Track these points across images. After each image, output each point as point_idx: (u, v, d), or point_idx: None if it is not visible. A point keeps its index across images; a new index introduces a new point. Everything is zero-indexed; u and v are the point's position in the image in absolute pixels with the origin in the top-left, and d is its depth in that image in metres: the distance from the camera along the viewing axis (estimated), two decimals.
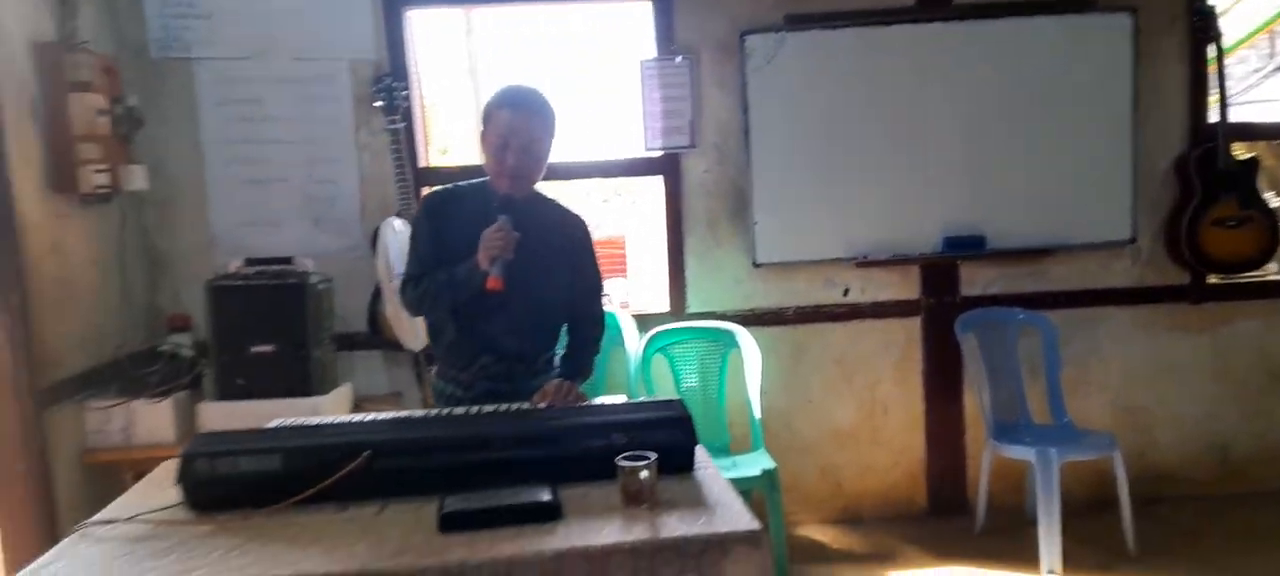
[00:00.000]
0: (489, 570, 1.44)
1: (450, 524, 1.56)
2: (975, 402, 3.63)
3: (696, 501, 1.64)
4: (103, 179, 2.80)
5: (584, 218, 2.35)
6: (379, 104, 3.29)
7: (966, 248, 3.59)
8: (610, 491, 1.67)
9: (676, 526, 1.52)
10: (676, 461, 1.76)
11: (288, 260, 3.07)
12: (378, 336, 3.37)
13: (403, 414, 2.19)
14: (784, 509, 3.25)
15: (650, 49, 3.53)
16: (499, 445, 1.75)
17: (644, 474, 1.60)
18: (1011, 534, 3.47)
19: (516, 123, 2.11)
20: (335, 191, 3.41)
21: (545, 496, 1.62)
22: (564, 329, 2.40)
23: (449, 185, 2.33)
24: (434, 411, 2.15)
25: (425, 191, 3.49)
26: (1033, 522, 3.23)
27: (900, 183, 3.56)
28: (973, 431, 3.76)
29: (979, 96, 3.54)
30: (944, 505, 3.79)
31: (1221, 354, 3.79)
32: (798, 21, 3.50)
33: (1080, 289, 3.72)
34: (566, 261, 2.28)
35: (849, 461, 3.77)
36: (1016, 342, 3.62)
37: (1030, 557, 3.19)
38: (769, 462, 3.21)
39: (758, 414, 3.45)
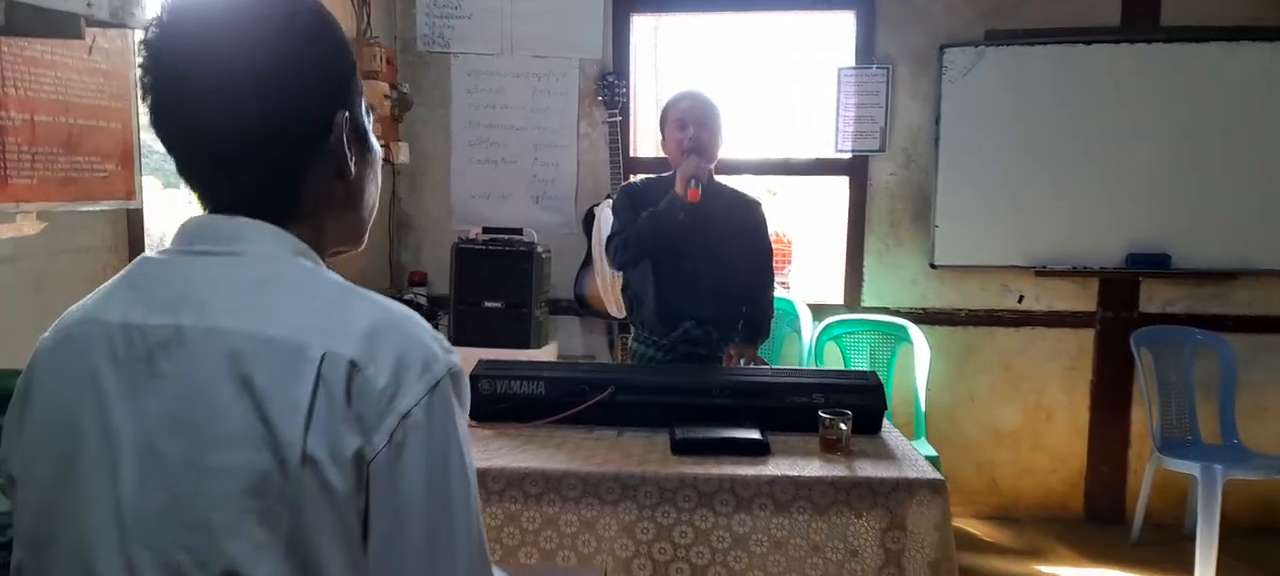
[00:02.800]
0: (715, 483, 1.82)
1: (681, 448, 1.95)
2: (1143, 419, 3.71)
3: (885, 454, 1.96)
4: (381, 153, 3.37)
5: (758, 199, 2.75)
6: (601, 98, 3.75)
7: (1150, 265, 3.66)
8: (809, 440, 2.02)
9: (869, 470, 1.85)
10: (867, 423, 2.08)
11: (518, 231, 3.55)
12: (582, 304, 3.83)
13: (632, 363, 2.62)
14: None
15: (848, 57, 3.79)
16: (718, 392, 2.13)
17: (842, 425, 1.93)
18: (1167, 548, 3.53)
19: (691, 106, 2.55)
20: (556, 173, 3.89)
21: (757, 435, 1.98)
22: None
23: (645, 176, 2.79)
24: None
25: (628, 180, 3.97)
26: (1190, 540, 3.27)
27: (1086, 197, 3.66)
28: (1137, 447, 3.83)
29: (1176, 117, 3.59)
30: (1101, 514, 3.88)
31: None
32: (998, 37, 3.65)
33: (1264, 314, 3.72)
34: (746, 239, 2.66)
35: (1007, 461, 3.92)
36: (1192, 362, 3.67)
37: (1184, 573, 3.25)
38: (931, 450, 3.44)
39: (923, 405, 3.68)
